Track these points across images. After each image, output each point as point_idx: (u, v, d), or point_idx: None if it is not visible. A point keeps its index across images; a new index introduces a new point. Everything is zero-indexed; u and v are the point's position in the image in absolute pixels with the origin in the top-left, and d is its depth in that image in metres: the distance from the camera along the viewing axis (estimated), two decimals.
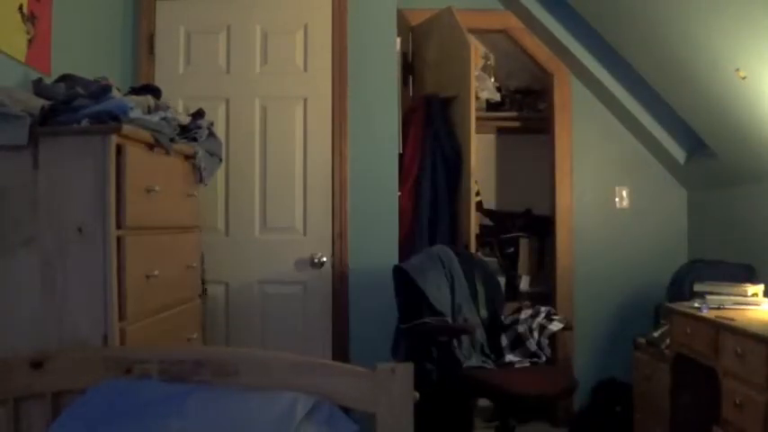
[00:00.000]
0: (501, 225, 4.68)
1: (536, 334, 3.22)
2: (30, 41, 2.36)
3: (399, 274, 3.16)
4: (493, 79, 4.65)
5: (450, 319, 3.19)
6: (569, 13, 3.78)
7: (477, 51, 4.58)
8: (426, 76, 4.14)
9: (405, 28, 4.06)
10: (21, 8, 2.29)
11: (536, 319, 3.27)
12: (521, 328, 3.25)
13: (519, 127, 4.65)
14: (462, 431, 3.28)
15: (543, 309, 3.35)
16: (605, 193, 4.15)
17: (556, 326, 3.26)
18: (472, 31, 3.95)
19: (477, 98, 4.30)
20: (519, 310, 3.39)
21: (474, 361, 3.14)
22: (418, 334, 3.11)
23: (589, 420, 3.87)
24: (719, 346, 2.59)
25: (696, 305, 2.88)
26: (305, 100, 3.41)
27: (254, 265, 3.37)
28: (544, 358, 3.22)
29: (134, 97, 2.25)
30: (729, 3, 2.60)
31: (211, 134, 2.75)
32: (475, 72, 3.97)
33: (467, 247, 3.67)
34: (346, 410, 1.80)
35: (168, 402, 1.69)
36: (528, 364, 3.19)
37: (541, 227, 4.49)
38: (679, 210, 4.12)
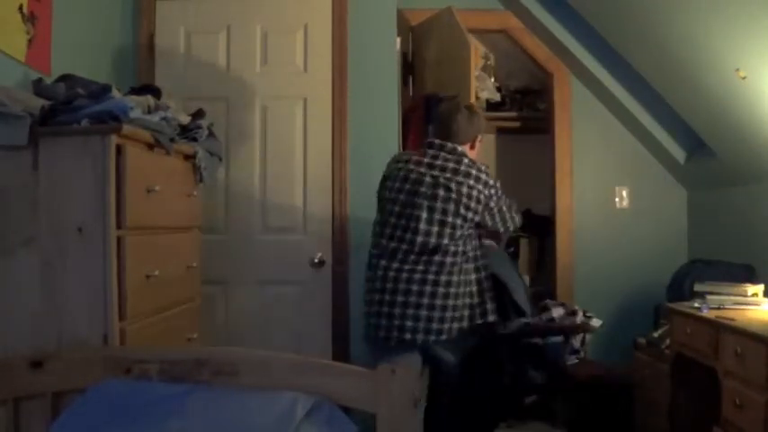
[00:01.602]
0: None
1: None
2: (30, 41, 2.36)
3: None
4: (493, 79, 4.66)
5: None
6: (569, 13, 3.78)
7: (477, 51, 4.58)
8: (426, 76, 4.14)
9: (405, 28, 4.05)
10: (21, 8, 2.29)
11: (575, 317, 3.24)
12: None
13: (519, 127, 4.66)
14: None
15: (576, 307, 3.33)
16: (605, 193, 4.15)
17: (596, 322, 3.25)
18: (472, 31, 3.95)
19: (477, 98, 4.30)
20: (546, 309, 3.36)
21: None
22: (517, 337, 2.97)
23: (589, 420, 3.86)
24: (719, 346, 2.59)
25: (696, 305, 2.88)
26: (305, 100, 3.41)
27: (254, 265, 3.37)
28: (582, 354, 3.20)
29: (134, 97, 2.25)
30: (729, 3, 2.60)
31: (211, 134, 2.75)
32: (475, 72, 3.97)
33: None
34: (346, 410, 1.80)
35: (168, 402, 1.69)
36: (576, 361, 3.18)
37: (541, 227, 4.49)
38: (679, 210, 4.13)
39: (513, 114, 4.60)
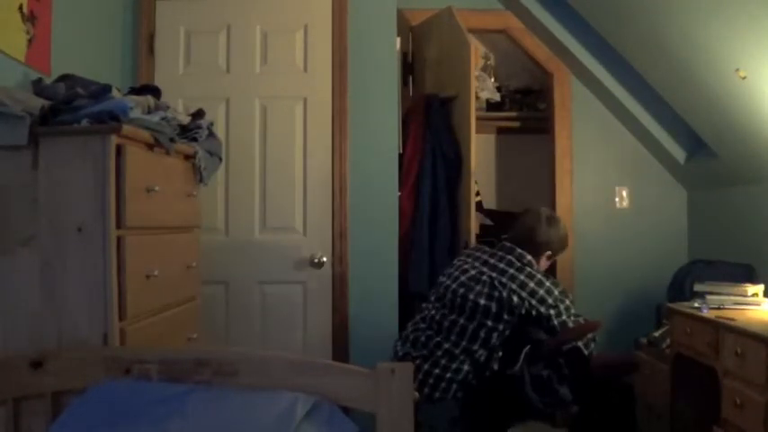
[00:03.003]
0: (501, 225, 4.68)
1: None
2: (30, 41, 2.36)
3: None
4: (493, 79, 4.66)
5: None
6: (569, 12, 3.78)
7: (477, 51, 4.58)
8: (426, 76, 4.14)
9: (405, 28, 4.06)
10: (21, 8, 2.29)
11: None
12: None
13: (519, 127, 4.65)
14: None
15: None
16: (605, 193, 4.15)
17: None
18: (472, 31, 3.94)
19: (477, 98, 4.30)
20: None
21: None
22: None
23: (589, 420, 3.86)
24: (719, 346, 2.59)
25: (696, 305, 2.88)
26: (305, 100, 3.41)
27: (254, 265, 3.37)
28: None
29: (134, 97, 2.25)
30: (729, 3, 2.60)
31: (211, 134, 2.75)
32: (475, 72, 3.97)
33: (466, 246, 3.67)
34: (346, 410, 1.80)
35: (168, 402, 1.69)
36: None
37: None
38: (679, 210, 4.12)
39: (513, 114, 4.60)
